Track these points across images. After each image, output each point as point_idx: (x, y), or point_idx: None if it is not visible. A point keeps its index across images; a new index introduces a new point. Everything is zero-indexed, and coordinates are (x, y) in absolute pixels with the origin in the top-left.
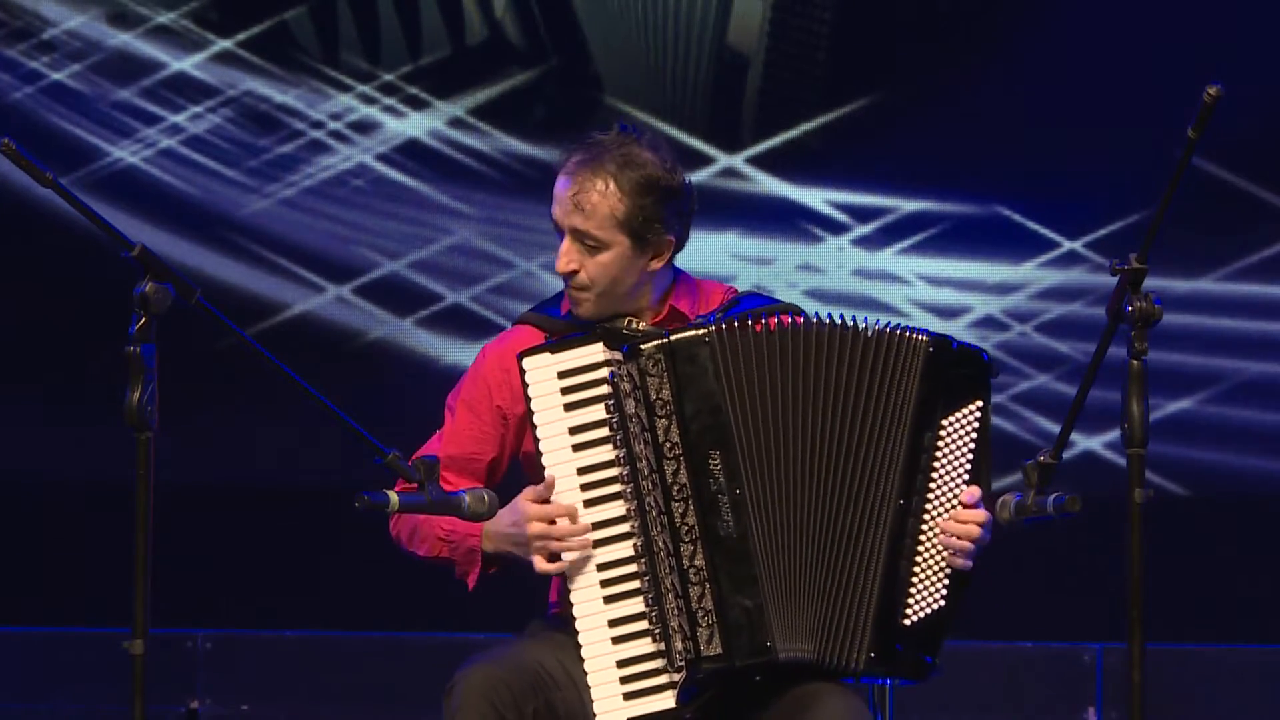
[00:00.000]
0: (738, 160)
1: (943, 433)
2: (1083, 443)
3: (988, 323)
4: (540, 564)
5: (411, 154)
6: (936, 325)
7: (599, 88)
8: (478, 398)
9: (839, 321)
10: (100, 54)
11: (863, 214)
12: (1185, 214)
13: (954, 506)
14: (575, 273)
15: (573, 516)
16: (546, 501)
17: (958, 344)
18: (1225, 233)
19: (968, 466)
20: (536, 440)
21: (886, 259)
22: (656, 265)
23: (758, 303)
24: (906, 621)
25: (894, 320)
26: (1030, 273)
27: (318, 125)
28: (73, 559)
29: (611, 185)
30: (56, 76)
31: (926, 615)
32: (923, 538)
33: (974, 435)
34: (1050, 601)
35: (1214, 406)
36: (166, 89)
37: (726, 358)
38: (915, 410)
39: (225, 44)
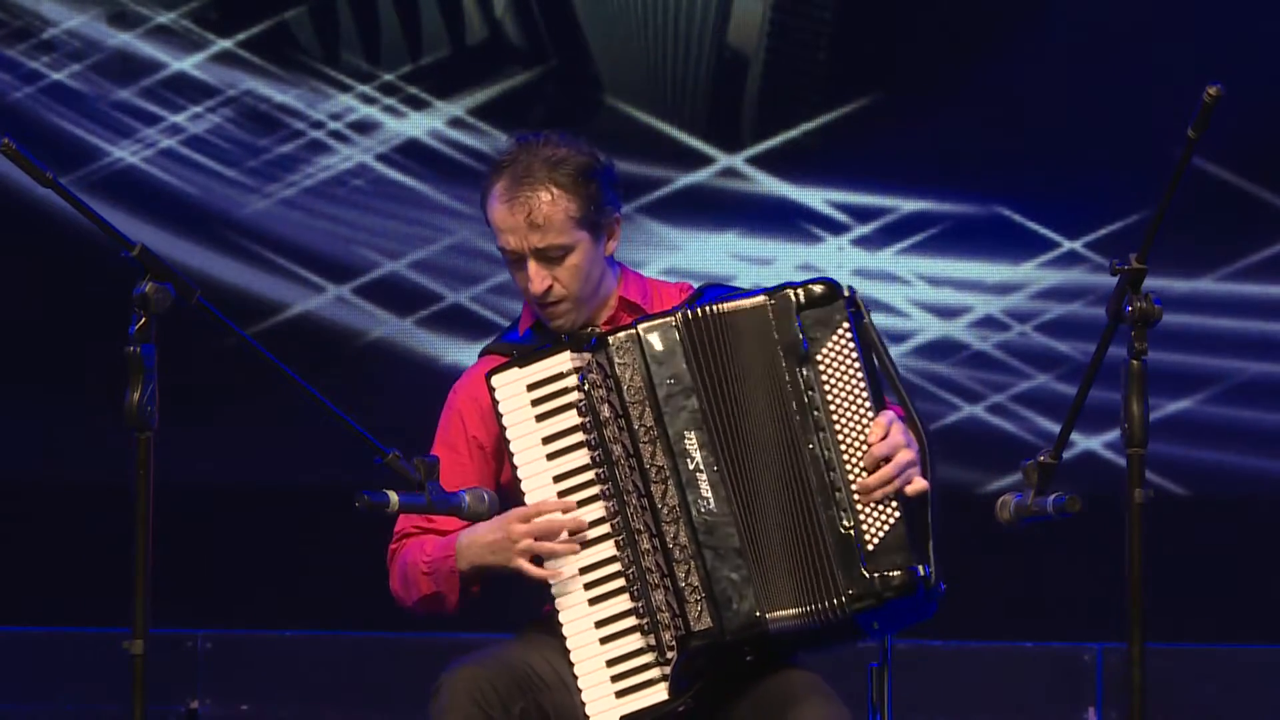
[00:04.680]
0: (738, 160)
1: (821, 366)
2: (1083, 443)
3: (988, 323)
4: (526, 567)
5: (411, 154)
6: (937, 325)
7: (599, 88)
8: (454, 434)
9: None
10: (100, 54)
11: (863, 214)
12: (1185, 214)
13: (865, 426)
14: (549, 288)
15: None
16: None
17: (799, 284)
18: (1225, 233)
19: (861, 386)
20: (511, 455)
21: (886, 259)
22: (613, 246)
23: (721, 293)
24: (870, 546)
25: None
26: (1030, 273)
27: (318, 125)
28: (73, 559)
29: (555, 190)
30: (56, 76)
31: (888, 531)
32: (848, 465)
33: (854, 355)
34: (1050, 601)
35: (1214, 406)
36: (166, 89)
37: (694, 340)
38: (784, 359)
39: (225, 44)
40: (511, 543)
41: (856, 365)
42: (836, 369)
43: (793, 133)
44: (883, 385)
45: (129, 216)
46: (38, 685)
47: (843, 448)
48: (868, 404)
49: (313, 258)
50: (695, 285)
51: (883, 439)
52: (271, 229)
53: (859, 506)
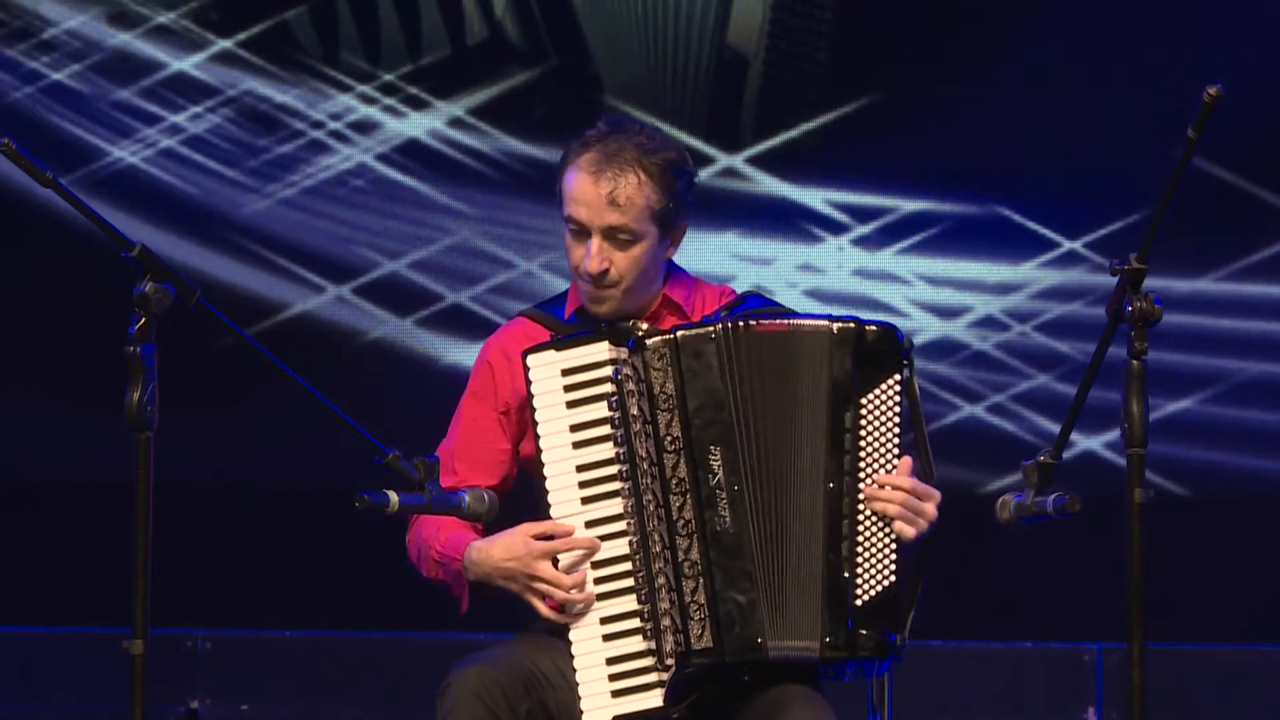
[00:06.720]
0: (738, 160)
1: (863, 411)
2: (1083, 443)
3: (988, 323)
4: (541, 607)
5: (411, 154)
6: (937, 325)
7: (599, 88)
8: (483, 390)
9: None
10: (100, 54)
11: (863, 214)
12: (1185, 214)
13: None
14: (605, 271)
15: (590, 550)
16: (550, 538)
17: (866, 323)
18: (1225, 233)
19: (895, 441)
20: (537, 437)
21: (886, 259)
22: (672, 252)
23: (761, 303)
24: (858, 601)
25: (828, 313)
26: (1030, 273)
27: (318, 125)
28: (73, 559)
29: (643, 176)
30: (56, 76)
31: (879, 592)
32: (860, 516)
33: (896, 410)
34: (1050, 601)
35: (1214, 406)
36: (166, 89)
37: (731, 355)
38: (829, 392)
39: (225, 44)
40: (529, 578)
41: (897, 421)
42: (877, 418)
43: (793, 133)
44: (913, 449)
45: (129, 216)
46: (38, 685)
47: (860, 498)
48: (897, 462)
49: (313, 258)
50: (736, 290)
51: (910, 476)
52: (271, 229)
53: (859, 559)
